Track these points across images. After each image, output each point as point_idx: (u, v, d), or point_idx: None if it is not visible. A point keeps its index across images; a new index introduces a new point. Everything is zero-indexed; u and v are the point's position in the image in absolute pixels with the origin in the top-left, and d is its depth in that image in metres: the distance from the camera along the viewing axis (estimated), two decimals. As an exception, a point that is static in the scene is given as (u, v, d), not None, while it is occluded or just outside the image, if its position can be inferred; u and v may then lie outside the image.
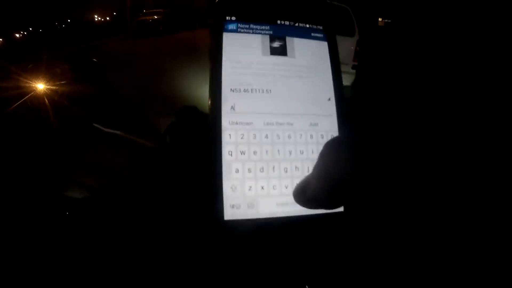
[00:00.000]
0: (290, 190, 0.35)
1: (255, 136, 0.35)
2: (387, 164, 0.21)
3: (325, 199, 0.26)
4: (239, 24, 0.38)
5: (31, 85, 0.82)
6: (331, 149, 0.25)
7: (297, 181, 0.35)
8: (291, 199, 0.35)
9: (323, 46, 0.40)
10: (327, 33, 0.40)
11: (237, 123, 0.35)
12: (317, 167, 0.26)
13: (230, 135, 0.35)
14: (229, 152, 0.34)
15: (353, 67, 3.79)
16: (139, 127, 0.81)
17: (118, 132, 0.74)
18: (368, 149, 0.22)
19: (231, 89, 0.36)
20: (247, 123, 0.35)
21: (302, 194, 0.29)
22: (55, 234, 0.55)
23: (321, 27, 0.40)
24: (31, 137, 0.72)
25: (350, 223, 0.34)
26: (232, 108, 0.35)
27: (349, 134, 0.25)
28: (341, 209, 0.35)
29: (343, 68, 3.64)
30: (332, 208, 0.28)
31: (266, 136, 0.35)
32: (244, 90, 0.36)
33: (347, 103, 0.39)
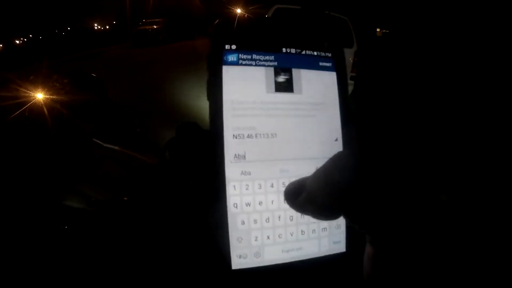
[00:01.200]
0: (295, 237, 0.34)
1: (260, 186, 0.33)
2: (385, 172, 0.21)
3: (321, 202, 0.24)
4: (240, 55, 0.34)
5: (30, 96, 0.82)
6: (334, 157, 0.25)
7: (301, 227, 0.34)
8: (296, 245, 0.34)
9: (332, 77, 0.37)
10: (336, 62, 0.37)
11: (241, 173, 0.33)
12: (316, 173, 0.25)
13: (234, 186, 0.33)
14: (234, 204, 0.33)
15: (351, 78, 3.81)
16: (138, 142, 0.81)
17: (117, 148, 0.73)
18: (367, 157, 0.22)
19: (233, 135, 0.33)
20: (252, 173, 0.33)
21: (296, 196, 0.27)
22: (53, 245, 0.54)
23: (329, 55, 0.37)
24: (30, 147, 0.71)
25: (356, 262, 0.34)
26: (236, 156, 0.33)
27: (351, 139, 0.24)
28: (343, 249, 0.35)
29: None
30: (324, 215, 0.27)
31: (272, 185, 0.34)
32: (248, 136, 0.33)
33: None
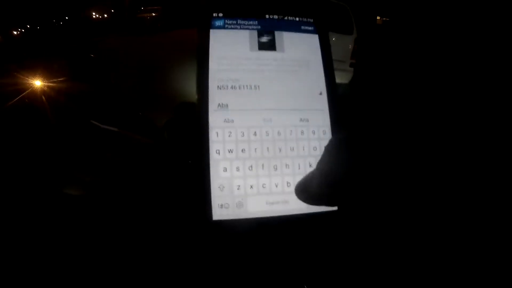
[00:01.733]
0: (280, 189, 0.34)
1: (243, 134, 0.34)
2: (383, 162, 0.21)
3: (326, 196, 0.26)
4: (226, 21, 0.37)
5: (28, 81, 0.82)
6: (331, 147, 0.25)
7: (287, 178, 0.35)
8: (281, 197, 0.34)
9: (314, 39, 0.38)
10: (317, 26, 0.39)
11: (224, 121, 0.34)
12: (319, 164, 0.26)
13: (217, 133, 0.34)
14: (216, 150, 0.33)
15: (351, 65, 3.78)
16: (137, 123, 0.81)
17: (115, 129, 0.73)
18: (364, 148, 0.22)
19: (218, 86, 0.35)
20: (235, 121, 0.35)
21: (304, 191, 0.28)
22: (51, 230, 0.55)
23: (311, 20, 0.39)
24: (27, 134, 0.71)
25: (344, 221, 0.34)
26: (220, 105, 0.34)
27: (346, 132, 0.24)
28: (334, 208, 0.34)
29: (341, 66, 3.63)
30: (332, 206, 0.28)
31: (255, 134, 0.35)
32: (232, 87, 0.35)
33: (342, 98, 0.38)
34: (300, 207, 0.34)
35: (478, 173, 0.20)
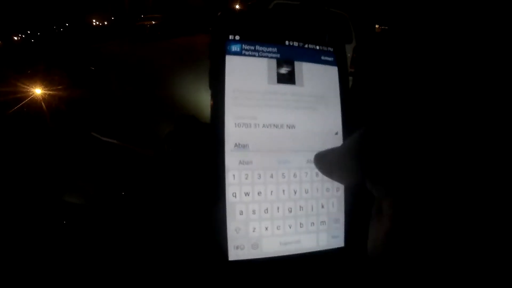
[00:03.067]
0: (293, 229, 0.33)
1: (259, 176, 0.33)
2: (389, 165, 0.22)
3: (347, 163, 0.26)
4: (243, 45, 0.34)
5: (29, 90, 0.82)
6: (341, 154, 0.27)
7: (300, 220, 0.34)
8: (294, 238, 0.33)
9: (333, 71, 0.37)
10: (337, 56, 0.37)
11: (241, 162, 0.33)
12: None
13: (234, 175, 0.32)
14: (233, 194, 0.32)
15: (350, 74, 3.80)
16: (137, 135, 0.81)
17: (115, 142, 0.73)
18: (370, 153, 0.23)
19: (235, 124, 0.33)
20: (252, 162, 0.33)
21: (325, 157, 0.30)
22: (52, 239, 0.54)
23: (331, 49, 0.37)
24: (28, 142, 0.71)
25: (353, 256, 0.34)
26: (236, 145, 0.33)
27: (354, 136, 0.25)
28: (342, 244, 0.34)
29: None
30: (347, 177, 0.27)
31: (271, 176, 0.33)
32: (249, 125, 0.33)
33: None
34: (311, 246, 0.34)
35: (482, 174, 0.20)
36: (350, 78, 3.78)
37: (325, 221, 0.34)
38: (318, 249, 0.33)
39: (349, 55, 3.82)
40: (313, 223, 0.34)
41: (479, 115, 0.22)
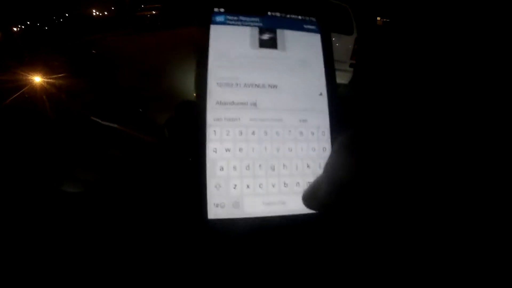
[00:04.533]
0: (277, 189, 0.34)
1: (241, 133, 0.34)
2: (387, 164, 0.21)
3: (335, 203, 0.25)
4: (227, 16, 0.36)
5: (28, 78, 0.82)
6: (335, 151, 0.25)
7: (284, 179, 0.34)
8: (278, 198, 0.34)
9: (316, 38, 0.38)
10: (320, 25, 0.38)
11: (222, 119, 0.34)
12: (326, 168, 0.26)
13: (215, 131, 0.34)
14: (213, 149, 0.33)
15: (350, 65, 3.78)
16: (138, 120, 0.81)
17: (116, 126, 0.73)
18: (368, 150, 0.22)
19: (217, 83, 0.35)
20: (233, 119, 0.34)
21: (313, 199, 0.28)
22: (48, 227, 0.54)
23: (314, 19, 0.39)
24: (27, 130, 0.71)
25: (341, 222, 0.34)
26: (218, 103, 0.34)
27: (349, 134, 0.24)
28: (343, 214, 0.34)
29: (341, 66, 3.64)
30: (341, 212, 0.27)
31: (253, 133, 0.34)
32: (231, 85, 0.35)
33: (341, 99, 0.37)
34: (296, 208, 0.34)
35: (481, 174, 0.20)
36: (351, 69, 3.77)
37: (311, 181, 0.34)
38: (304, 212, 0.33)
39: (350, 46, 3.80)
40: (299, 183, 0.34)
41: (476, 115, 0.22)
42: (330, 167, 0.25)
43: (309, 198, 0.28)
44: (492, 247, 0.19)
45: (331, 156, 0.25)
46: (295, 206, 0.33)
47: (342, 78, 3.68)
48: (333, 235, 0.34)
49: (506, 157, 0.20)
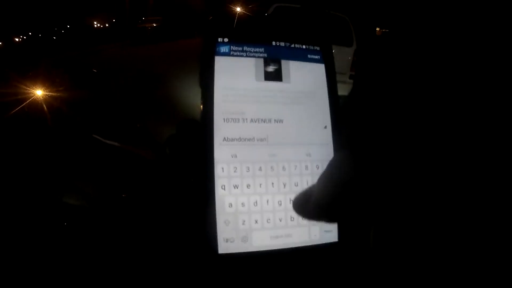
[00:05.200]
0: (284, 223, 0.34)
1: (248, 169, 0.34)
2: (385, 168, 0.21)
3: (328, 207, 0.25)
4: (232, 47, 0.36)
5: (30, 92, 0.82)
6: (335, 162, 0.25)
7: (291, 213, 0.34)
8: (285, 231, 0.34)
9: (320, 68, 0.38)
10: (324, 54, 0.38)
11: (230, 156, 0.34)
12: (321, 178, 0.26)
13: (223, 168, 0.33)
14: (222, 186, 0.33)
15: (350, 77, 3.80)
16: (139, 138, 0.81)
17: (117, 144, 0.73)
18: (366, 150, 0.22)
19: (224, 119, 0.34)
20: (240, 155, 0.34)
21: (305, 204, 0.27)
22: (52, 242, 0.54)
23: (318, 48, 0.38)
24: (28, 144, 0.71)
25: (345, 252, 0.34)
26: (225, 139, 0.34)
27: (347, 134, 0.24)
28: (335, 239, 0.34)
29: (341, 78, 3.66)
30: (333, 219, 0.27)
31: (260, 169, 0.34)
32: (237, 120, 0.34)
33: (342, 110, 0.38)
34: (302, 240, 0.34)
35: (480, 175, 0.20)
36: (351, 81, 3.79)
37: None
38: (310, 244, 0.33)
39: (349, 58, 3.82)
40: None
41: (475, 116, 0.22)
42: (326, 172, 0.25)
43: (302, 202, 0.27)
44: (492, 247, 0.19)
45: (329, 166, 0.25)
46: (302, 238, 0.33)
47: (342, 90, 3.70)
48: (339, 266, 0.35)
49: (505, 156, 0.20)
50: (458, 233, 0.19)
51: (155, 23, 10.78)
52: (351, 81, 3.81)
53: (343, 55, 3.76)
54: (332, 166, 0.24)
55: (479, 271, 0.19)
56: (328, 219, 0.27)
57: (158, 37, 10.29)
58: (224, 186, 0.33)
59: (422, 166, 0.21)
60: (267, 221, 0.34)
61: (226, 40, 0.35)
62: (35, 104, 0.80)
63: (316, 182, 0.26)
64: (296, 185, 0.35)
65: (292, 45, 0.37)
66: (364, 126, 0.26)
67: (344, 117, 0.37)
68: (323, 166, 0.35)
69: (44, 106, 0.78)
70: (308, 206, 0.26)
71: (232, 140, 0.34)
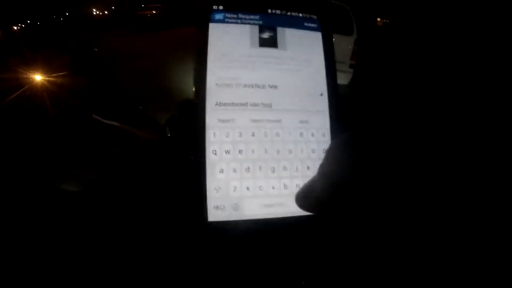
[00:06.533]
0: (277, 191, 0.33)
1: (240, 134, 0.34)
2: (385, 163, 0.21)
3: (329, 202, 0.25)
4: (226, 14, 0.36)
5: (29, 76, 0.82)
6: (334, 150, 0.25)
7: (284, 181, 0.34)
8: (278, 200, 0.33)
9: (317, 37, 0.37)
10: (321, 24, 0.38)
11: (222, 121, 0.34)
12: (321, 168, 0.26)
13: (214, 133, 0.33)
14: (213, 151, 0.33)
15: (350, 66, 3.78)
16: (139, 119, 0.81)
17: (117, 124, 0.73)
18: (366, 149, 0.22)
19: (216, 84, 0.34)
20: (233, 120, 0.34)
21: (306, 198, 0.28)
22: (49, 226, 0.54)
23: (315, 17, 0.38)
24: (28, 129, 0.71)
25: (340, 223, 0.34)
26: (217, 104, 0.34)
27: (348, 133, 0.24)
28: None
29: (341, 67, 3.63)
30: (335, 213, 0.27)
31: (253, 134, 0.34)
32: (231, 85, 0.34)
33: (341, 99, 0.37)
34: (296, 210, 0.34)
35: (479, 173, 0.20)
36: (351, 70, 3.76)
37: None
38: (303, 214, 0.33)
39: (350, 47, 3.79)
40: (298, 185, 0.34)
41: (474, 116, 0.23)
42: (326, 167, 0.25)
43: (303, 197, 0.28)
44: (491, 247, 0.20)
45: (326, 157, 0.25)
46: (295, 208, 0.33)
47: (342, 79, 3.68)
48: (331, 236, 0.34)
49: (501, 156, 0.20)
50: (456, 233, 0.20)
51: (154, 10, 10.62)
52: (351, 70, 3.79)
53: (344, 44, 3.74)
54: (332, 163, 0.25)
55: (476, 271, 0.19)
56: (328, 213, 0.27)
57: (157, 24, 10.16)
58: (215, 151, 0.33)
59: (422, 163, 0.21)
60: (259, 189, 0.34)
61: (221, 7, 0.36)
62: (35, 89, 0.79)
63: (317, 177, 0.26)
64: (290, 152, 0.34)
65: (289, 13, 0.37)
66: (364, 119, 0.26)
67: (344, 107, 0.37)
68: (318, 133, 0.35)
69: (44, 90, 0.78)
70: (310, 200, 0.27)
71: (225, 104, 0.34)
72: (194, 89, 0.35)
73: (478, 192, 0.20)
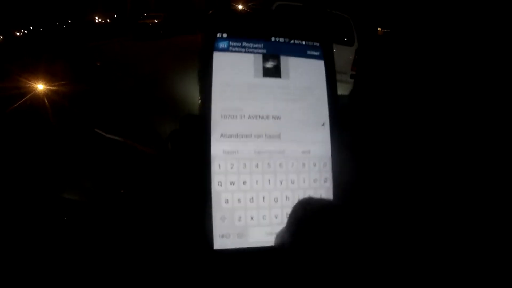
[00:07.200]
0: (280, 220, 0.34)
1: (245, 166, 0.34)
2: (385, 169, 0.21)
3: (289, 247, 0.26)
4: (230, 42, 0.35)
5: (31, 85, 0.82)
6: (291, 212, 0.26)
7: (287, 210, 0.34)
8: (280, 228, 0.33)
9: (319, 65, 0.37)
10: (324, 51, 0.38)
11: (227, 152, 0.34)
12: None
13: (219, 165, 0.33)
14: (218, 182, 0.33)
15: (351, 77, 3.80)
16: (141, 132, 0.81)
17: (119, 139, 0.73)
18: (367, 155, 0.23)
19: (221, 115, 0.34)
20: (237, 152, 0.34)
21: (279, 235, 0.30)
22: (52, 236, 0.54)
23: (317, 44, 0.38)
24: (30, 138, 0.71)
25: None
26: (222, 135, 0.34)
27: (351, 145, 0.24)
28: None
29: (342, 77, 3.65)
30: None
31: (257, 166, 0.34)
32: (235, 116, 0.34)
33: (343, 129, 0.37)
34: None
35: (479, 173, 0.20)
36: (352, 80, 3.78)
37: None
38: None
39: (351, 57, 3.81)
40: None
41: (473, 119, 0.23)
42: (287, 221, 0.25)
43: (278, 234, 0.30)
44: (490, 246, 0.20)
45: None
46: None
47: (343, 89, 3.69)
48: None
49: (499, 158, 0.20)
50: (456, 233, 0.20)
51: (156, 19, 10.75)
52: (352, 80, 3.81)
53: (345, 54, 3.76)
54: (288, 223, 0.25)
55: (474, 270, 0.19)
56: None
57: (159, 33, 10.26)
58: (221, 182, 0.33)
59: (422, 166, 0.21)
60: (263, 218, 0.34)
61: (225, 35, 0.35)
62: (37, 98, 0.79)
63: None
64: (293, 182, 0.35)
65: (292, 41, 0.37)
66: (365, 127, 0.26)
67: (345, 117, 0.37)
68: (320, 163, 0.35)
69: (46, 100, 0.78)
70: (281, 236, 0.28)
71: (230, 136, 0.34)
72: (198, 119, 0.35)
73: (478, 193, 0.20)
